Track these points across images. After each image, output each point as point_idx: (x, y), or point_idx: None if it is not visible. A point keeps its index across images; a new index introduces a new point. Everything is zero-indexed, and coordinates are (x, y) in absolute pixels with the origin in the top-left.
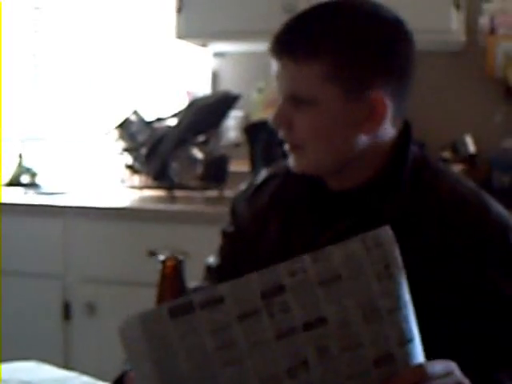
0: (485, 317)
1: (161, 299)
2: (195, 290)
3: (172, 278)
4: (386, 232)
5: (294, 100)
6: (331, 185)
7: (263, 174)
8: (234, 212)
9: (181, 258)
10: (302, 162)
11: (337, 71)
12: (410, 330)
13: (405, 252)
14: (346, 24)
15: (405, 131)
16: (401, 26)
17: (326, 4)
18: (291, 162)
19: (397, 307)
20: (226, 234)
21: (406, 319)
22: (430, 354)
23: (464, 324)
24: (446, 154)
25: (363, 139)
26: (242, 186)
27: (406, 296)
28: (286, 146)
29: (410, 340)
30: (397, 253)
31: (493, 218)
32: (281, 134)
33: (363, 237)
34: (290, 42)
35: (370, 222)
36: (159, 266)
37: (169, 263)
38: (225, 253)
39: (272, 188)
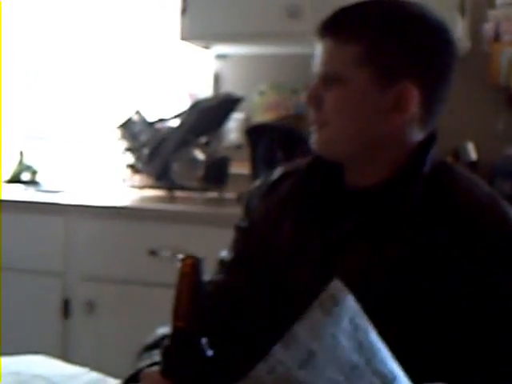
0: (492, 321)
1: (179, 298)
2: (208, 284)
3: (191, 276)
4: (338, 287)
5: (327, 79)
6: (349, 181)
7: (278, 170)
8: (247, 207)
9: (199, 256)
10: (323, 139)
11: (371, 56)
12: (391, 369)
13: (416, 252)
14: (391, 14)
15: (431, 136)
16: (444, 32)
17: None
18: (314, 141)
19: (372, 355)
20: (239, 229)
21: (383, 362)
22: (436, 356)
23: (469, 326)
24: (448, 161)
25: (385, 129)
26: (257, 182)
27: (375, 338)
28: (313, 127)
29: (394, 378)
30: (353, 302)
31: (509, 222)
32: (310, 114)
33: (320, 302)
34: (334, 23)
35: (382, 220)
36: (178, 265)
37: (188, 262)
38: (238, 247)
39: (287, 185)
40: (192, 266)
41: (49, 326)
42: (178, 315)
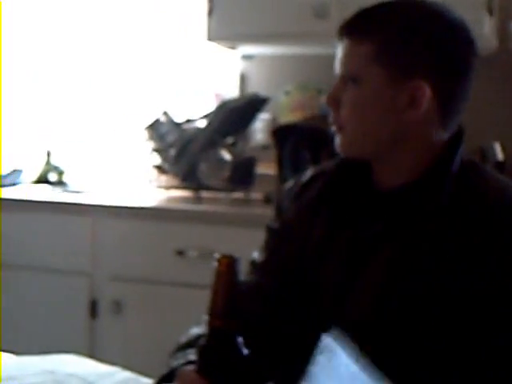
0: None
1: (215, 297)
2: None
3: (227, 275)
4: (329, 342)
5: (344, 80)
6: (376, 181)
7: (309, 172)
8: (279, 209)
9: (235, 256)
10: (344, 142)
11: (385, 53)
12: None
13: (446, 252)
14: (406, 13)
15: (457, 135)
16: (462, 30)
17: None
18: (336, 143)
19: None
20: (270, 230)
21: None
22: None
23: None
24: (477, 160)
25: (402, 127)
26: (288, 184)
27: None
28: (334, 128)
29: None
30: (345, 355)
31: None
32: (331, 115)
33: (320, 362)
34: (351, 24)
35: (410, 221)
36: (214, 264)
37: (224, 261)
38: (270, 248)
39: (317, 186)
40: (228, 266)
41: (76, 325)
42: (214, 314)
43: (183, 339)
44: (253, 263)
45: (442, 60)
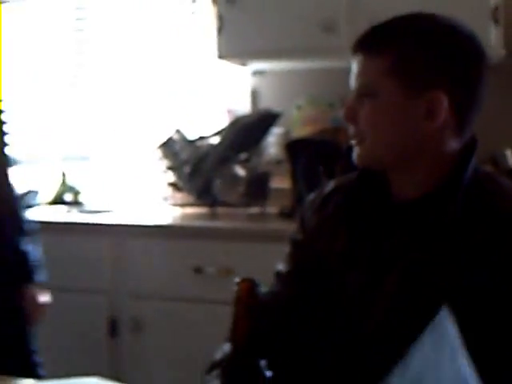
0: None
1: (236, 321)
2: (265, 295)
3: (246, 300)
4: (445, 315)
5: (360, 94)
6: (394, 193)
7: (331, 184)
8: (302, 221)
9: (255, 279)
10: (362, 154)
11: (399, 66)
12: None
13: (462, 261)
14: (419, 27)
15: (470, 145)
16: (473, 42)
17: (409, 13)
18: (355, 155)
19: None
20: (294, 242)
21: None
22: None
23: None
24: (486, 168)
25: (419, 138)
26: (311, 196)
27: (469, 371)
28: (353, 141)
29: None
30: (455, 332)
31: None
32: (349, 129)
33: (432, 331)
34: (365, 39)
35: (427, 232)
36: (234, 288)
37: (243, 286)
38: (293, 260)
39: (338, 199)
40: (247, 290)
41: (96, 344)
42: (235, 338)
43: (217, 356)
44: (277, 274)
45: (457, 71)
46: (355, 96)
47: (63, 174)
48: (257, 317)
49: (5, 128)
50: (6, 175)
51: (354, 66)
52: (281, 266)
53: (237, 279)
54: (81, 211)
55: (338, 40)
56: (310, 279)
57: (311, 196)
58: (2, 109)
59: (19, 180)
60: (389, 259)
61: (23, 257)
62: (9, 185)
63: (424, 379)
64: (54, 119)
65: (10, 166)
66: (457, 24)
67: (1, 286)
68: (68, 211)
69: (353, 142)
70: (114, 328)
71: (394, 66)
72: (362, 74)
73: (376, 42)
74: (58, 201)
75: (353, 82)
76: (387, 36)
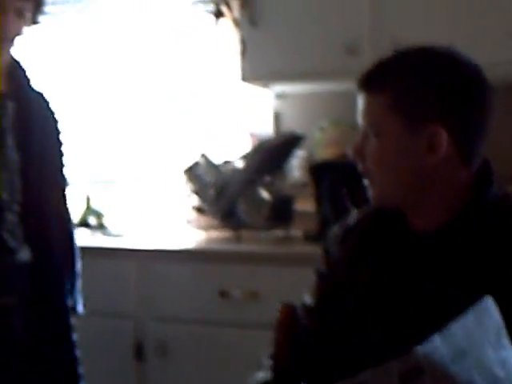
0: None
1: (278, 345)
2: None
3: (287, 325)
4: (491, 303)
5: (366, 131)
6: (414, 225)
7: (353, 215)
8: (327, 252)
9: (295, 304)
10: (374, 195)
11: (400, 103)
12: None
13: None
14: (416, 62)
15: (484, 171)
16: (475, 72)
17: (408, 47)
18: (369, 196)
19: (510, 374)
20: (319, 274)
21: None
22: None
23: None
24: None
25: (424, 172)
26: (335, 228)
27: None
28: (365, 179)
29: None
30: (500, 319)
31: None
32: (359, 166)
33: (476, 311)
34: (367, 76)
35: (451, 264)
36: (276, 313)
37: (283, 311)
38: (319, 292)
39: (361, 230)
40: (288, 315)
41: (122, 368)
42: (277, 362)
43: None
44: (304, 307)
45: (456, 104)
46: (362, 133)
47: (88, 198)
48: (298, 340)
49: (62, 149)
50: (64, 197)
51: (360, 103)
52: (307, 299)
53: (279, 304)
54: (105, 235)
55: (361, 62)
56: (336, 312)
57: (335, 228)
58: (60, 129)
59: None
60: (411, 289)
61: (71, 285)
62: (66, 207)
63: (468, 353)
64: (78, 143)
65: (67, 187)
66: (457, 55)
67: (57, 312)
68: (92, 235)
69: (364, 180)
70: (140, 352)
71: (395, 103)
72: (365, 112)
73: (376, 80)
74: (82, 224)
75: (359, 118)
76: (387, 74)
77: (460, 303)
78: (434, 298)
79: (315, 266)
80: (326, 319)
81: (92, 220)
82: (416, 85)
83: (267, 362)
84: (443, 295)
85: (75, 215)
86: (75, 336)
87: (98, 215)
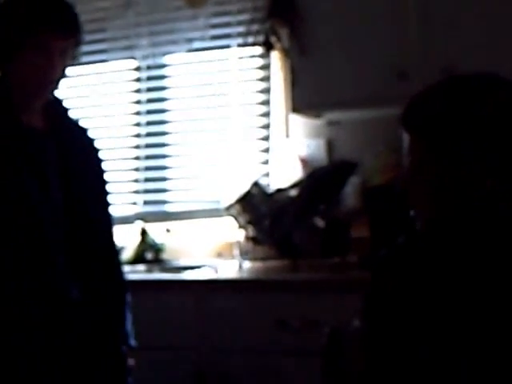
0: None
1: (326, 371)
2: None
3: (336, 349)
4: None
5: (408, 169)
6: None
7: (401, 239)
8: (375, 278)
9: (342, 328)
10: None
11: (437, 148)
12: None
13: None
14: (451, 104)
15: None
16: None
17: (443, 82)
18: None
19: None
20: (366, 297)
21: None
22: None
23: None
24: None
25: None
26: (382, 252)
27: None
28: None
29: None
30: None
31: None
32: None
33: None
34: (405, 117)
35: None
36: (324, 338)
37: (331, 335)
38: (367, 316)
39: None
40: (335, 341)
41: None
42: None
43: None
44: (355, 331)
45: (494, 143)
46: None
47: (143, 232)
48: (346, 362)
49: (107, 187)
50: (111, 238)
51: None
52: (357, 323)
53: (326, 330)
54: (163, 269)
55: (412, 87)
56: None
57: (382, 252)
58: (101, 157)
59: None
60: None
61: (123, 319)
62: (114, 248)
63: None
64: (133, 176)
65: (113, 227)
66: (497, 89)
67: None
68: (149, 269)
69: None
70: (202, 383)
71: (432, 148)
72: (407, 151)
73: (413, 124)
74: (138, 259)
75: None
76: (424, 120)
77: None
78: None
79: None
80: (376, 342)
81: (149, 254)
82: (454, 131)
83: None
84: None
85: (131, 250)
86: (131, 380)
87: (156, 249)
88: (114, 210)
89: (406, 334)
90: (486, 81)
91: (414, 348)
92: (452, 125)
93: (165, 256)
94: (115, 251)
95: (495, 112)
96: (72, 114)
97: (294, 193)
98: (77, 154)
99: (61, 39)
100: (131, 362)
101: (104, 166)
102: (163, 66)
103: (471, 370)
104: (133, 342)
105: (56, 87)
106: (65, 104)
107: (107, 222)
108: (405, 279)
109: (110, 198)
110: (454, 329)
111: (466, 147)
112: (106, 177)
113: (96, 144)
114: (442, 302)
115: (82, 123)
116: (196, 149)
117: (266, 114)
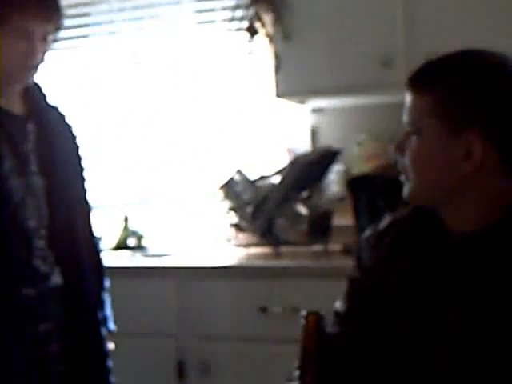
0: None
1: (305, 354)
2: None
3: (314, 333)
4: None
5: (408, 130)
6: (449, 226)
7: (386, 220)
8: (358, 258)
9: (321, 312)
10: (408, 191)
11: (441, 106)
12: None
13: None
14: (464, 67)
15: None
16: None
17: (460, 51)
18: (403, 191)
19: None
20: (351, 280)
21: None
22: None
23: None
24: None
25: (459, 178)
26: (366, 233)
27: None
28: (402, 176)
29: None
30: None
31: None
32: (399, 163)
33: None
34: (413, 76)
35: (484, 269)
36: (302, 322)
37: (310, 319)
38: (352, 298)
39: (393, 234)
40: (315, 323)
41: None
42: (305, 371)
43: None
44: (336, 314)
45: (498, 113)
46: (405, 131)
47: (125, 219)
48: (325, 348)
49: (84, 174)
50: (90, 222)
51: (406, 101)
52: (338, 305)
53: (303, 312)
54: (144, 255)
55: (396, 75)
56: (366, 318)
57: (366, 233)
58: (78, 143)
59: None
60: (447, 295)
61: (102, 303)
62: (92, 232)
63: None
64: (115, 163)
65: (91, 212)
66: (504, 60)
67: (92, 338)
68: (132, 256)
69: (402, 176)
70: (181, 371)
71: (437, 107)
72: (410, 110)
73: (422, 80)
74: (121, 246)
75: (404, 116)
76: (432, 76)
77: (491, 312)
78: (470, 300)
79: (347, 272)
80: (358, 324)
81: (131, 241)
82: (462, 90)
83: (296, 373)
84: (480, 297)
85: (114, 237)
86: (111, 362)
87: (137, 236)
88: (97, 197)
89: (387, 309)
90: (499, 54)
91: (393, 322)
92: (461, 90)
93: (147, 243)
94: (94, 236)
95: (507, 85)
96: (51, 99)
97: (276, 180)
98: (56, 139)
99: (42, 24)
100: (111, 345)
101: (81, 152)
102: (147, 51)
103: (446, 343)
104: (112, 326)
105: (36, 72)
106: (44, 89)
107: (86, 207)
108: (393, 258)
109: (87, 185)
110: (433, 305)
111: (472, 116)
112: (83, 163)
113: (74, 130)
114: (422, 277)
115: (60, 108)
116: (181, 135)
117: (250, 100)
